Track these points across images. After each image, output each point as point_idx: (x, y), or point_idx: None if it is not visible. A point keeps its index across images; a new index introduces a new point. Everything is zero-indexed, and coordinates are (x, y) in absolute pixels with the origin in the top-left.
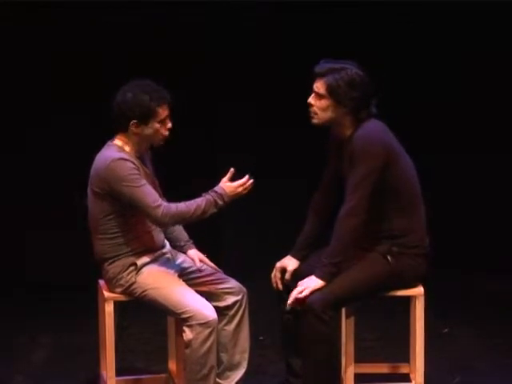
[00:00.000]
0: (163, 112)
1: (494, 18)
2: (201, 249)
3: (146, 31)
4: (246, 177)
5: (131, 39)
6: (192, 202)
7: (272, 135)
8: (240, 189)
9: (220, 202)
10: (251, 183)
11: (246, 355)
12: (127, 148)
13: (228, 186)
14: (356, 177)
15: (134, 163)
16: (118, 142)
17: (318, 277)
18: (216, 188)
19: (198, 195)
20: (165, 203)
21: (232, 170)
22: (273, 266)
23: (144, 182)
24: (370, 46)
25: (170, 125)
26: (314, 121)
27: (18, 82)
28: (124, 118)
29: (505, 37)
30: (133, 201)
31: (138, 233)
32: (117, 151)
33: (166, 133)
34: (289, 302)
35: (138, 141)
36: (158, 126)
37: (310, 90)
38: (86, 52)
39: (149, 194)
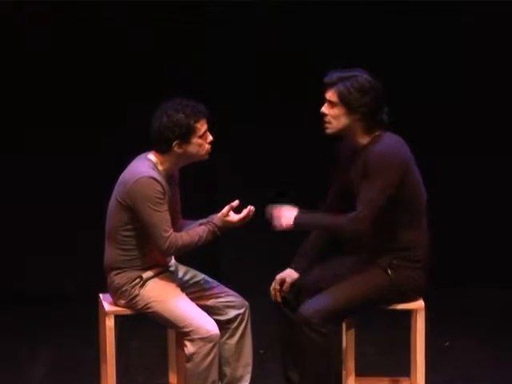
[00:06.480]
0: (202, 127)
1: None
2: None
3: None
4: (247, 209)
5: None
6: (195, 233)
7: (277, 150)
8: (239, 223)
9: (218, 233)
10: (251, 215)
11: (249, 368)
12: (160, 167)
13: (228, 220)
14: (371, 190)
15: (162, 186)
16: (153, 157)
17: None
18: (216, 220)
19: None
20: (173, 235)
21: (236, 203)
22: (272, 280)
23: (165, 208)
24: (371, 46)
25: (210, 138)
26: (328, 131)
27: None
28: (166, 141)
29: (505, 37)
30: (147, 222)
31: (150, 248)
32: (150, 168)
33: (209, 146)
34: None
35: (177, 161)
36: (200, 141)
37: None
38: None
39: (164, 222)
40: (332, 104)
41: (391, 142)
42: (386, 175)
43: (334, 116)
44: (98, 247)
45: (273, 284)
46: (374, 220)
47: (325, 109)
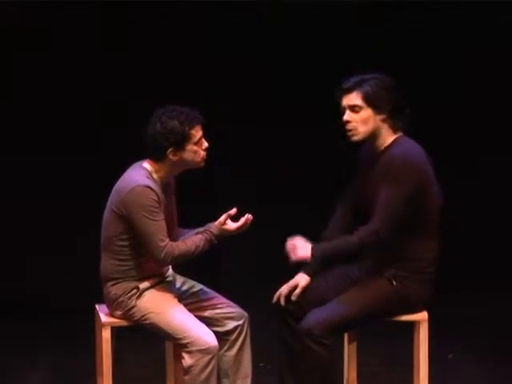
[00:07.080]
0: (197, 133)
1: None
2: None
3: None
4: (245, 218)
5: None
6: (191, 242)
7: (273, 159)
8: (236, 232)
9: (215, 242)
10: (249, 223)
11: (249, 380)
12: (155, 175)
13: (225, 228)
14: (389, 196)
15: (157, 195)
16: (148, 166)
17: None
18: (213, 228)
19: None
20: (169, 244)
21: (233, 211)
22: (272, 292)
23: (161, 217)
24: (371, 46)
25: (206, 144)
26: (355, 138)
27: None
28: (160, 149)
29: (505, 37)
30: (143, 232)
31: (147, 258)
32: (145, 176)
33: (204, 153)
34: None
35: (172, 168)
36: (195, 148)
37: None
38: None
39: (160, 231)
40: (356, 109)
41: (410, 146)
42: (408, 183)
43: (359, 121)
44: (99, 248)
45: (282, 288)
46: (392, 227)
47: (348, 116)
